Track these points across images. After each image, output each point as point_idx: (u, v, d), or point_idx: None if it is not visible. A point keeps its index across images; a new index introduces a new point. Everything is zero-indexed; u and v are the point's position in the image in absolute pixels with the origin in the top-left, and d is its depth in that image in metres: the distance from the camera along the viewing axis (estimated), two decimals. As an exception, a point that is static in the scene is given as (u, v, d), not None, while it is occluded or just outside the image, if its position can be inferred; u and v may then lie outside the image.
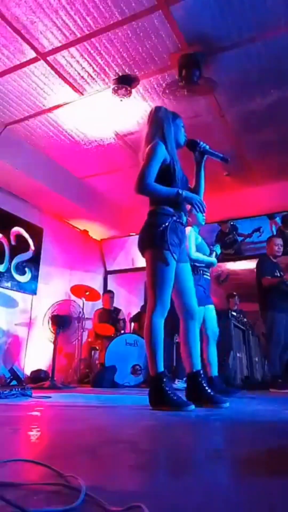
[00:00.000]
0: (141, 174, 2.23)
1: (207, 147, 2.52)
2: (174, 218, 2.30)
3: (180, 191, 2.28)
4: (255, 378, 5.74)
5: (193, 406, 2.05)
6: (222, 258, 6.56)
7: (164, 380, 2.15)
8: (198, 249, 3.61)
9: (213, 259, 3.66)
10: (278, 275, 4.80)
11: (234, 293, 6.80)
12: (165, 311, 2.29)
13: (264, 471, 0.85)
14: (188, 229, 3.46)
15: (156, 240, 2.26)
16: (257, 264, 5.04)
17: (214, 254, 3.71)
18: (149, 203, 2.40)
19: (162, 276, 2.26)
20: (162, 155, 2.28)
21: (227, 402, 2.22)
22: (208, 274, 3.71)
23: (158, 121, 2.40)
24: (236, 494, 0.68)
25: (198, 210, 2.39)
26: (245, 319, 6.16)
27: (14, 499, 0.55)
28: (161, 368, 2.19)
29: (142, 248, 2.37)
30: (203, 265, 3.61)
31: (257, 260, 5.18)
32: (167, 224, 2.26)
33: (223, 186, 6.19)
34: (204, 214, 2.69)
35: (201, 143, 2.51)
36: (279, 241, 5.02)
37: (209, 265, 3.63)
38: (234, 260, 6.81)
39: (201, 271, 3.61)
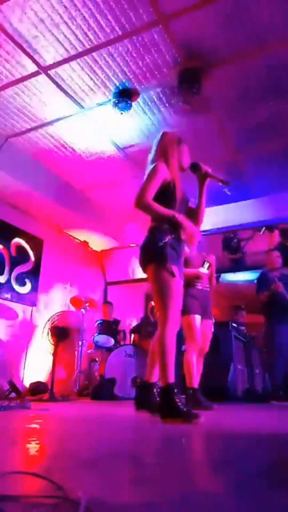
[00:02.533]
0: (140, 191, 2.32)
1: (209, 170, 2.59)
2: (173, 235, 2.36)
3: (176, 215, 2.34)
4: (256, 390, 5.68)
5: (201, 419, 2.03)
6: (230, 266, 6.59)
7: (175, 391, 2.14)
8: (192, 262, 3.68)
9: (202, 270, 3.69)
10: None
11: (242, 306, 6.74)
12: (177, 324, 2.32)
13: (265, 483, 0.84)
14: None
15: (157, 255, 2.31)
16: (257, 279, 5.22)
17: (207, 265, 3.73)
18: (150, 220, 2.46)
19: (169, 287, 2.29)
20: (162, 175, 2.37)
21: None
22: (206, 285, 3.73)
23: (164, 146, 2.53)
24: (238, 507, 0.67)
25: (187, 238, 2.48)
26: (245, 331, 6.12)
27: (13, 512, 0.54)
28: (171, 379, 2.18)
29: (144, 263, 2.41)
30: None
31: (259, 270, 5.41)
32: (166, 240, 2.31)
33: (223, 197, 6.22)
34: (193, 242, 2.82)
35: (203, 166, 2.58)
36: (276, 253, 5.25)
37: (194, 276, 3.67)
38: (236, 271, 6.81)
39: (193, 283, 3.66)
